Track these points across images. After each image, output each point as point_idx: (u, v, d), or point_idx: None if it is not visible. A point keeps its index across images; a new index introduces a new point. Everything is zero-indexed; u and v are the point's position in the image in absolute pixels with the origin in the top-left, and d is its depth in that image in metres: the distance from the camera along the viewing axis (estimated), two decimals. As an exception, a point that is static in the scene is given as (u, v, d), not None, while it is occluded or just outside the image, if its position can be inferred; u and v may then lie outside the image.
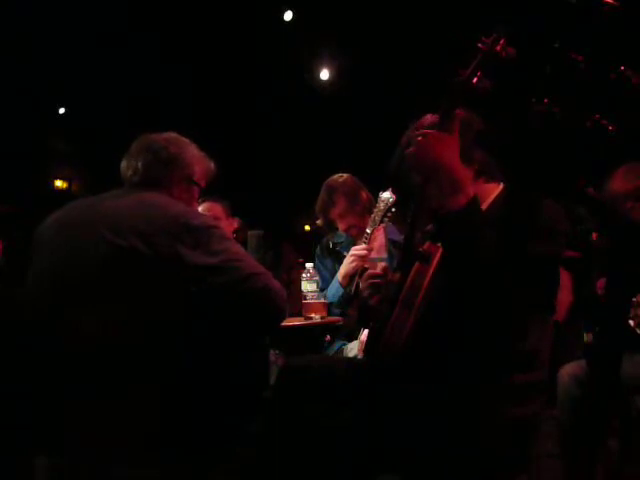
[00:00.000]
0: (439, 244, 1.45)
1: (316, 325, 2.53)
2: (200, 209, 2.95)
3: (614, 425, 2.38)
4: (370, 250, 2.63)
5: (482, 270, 1.32)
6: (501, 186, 1.57)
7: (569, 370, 2.42)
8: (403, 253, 1.60)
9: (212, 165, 1.93)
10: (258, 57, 6.53)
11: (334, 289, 2.72)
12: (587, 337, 2.79)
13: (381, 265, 1.74)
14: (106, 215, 1.64)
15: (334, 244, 2.96)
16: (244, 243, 3.22)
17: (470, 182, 1.38)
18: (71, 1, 5.71)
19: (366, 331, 2.49)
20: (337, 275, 2.72)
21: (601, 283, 2.48)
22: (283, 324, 2.41)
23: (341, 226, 2.86)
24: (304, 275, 2.60)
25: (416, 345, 1.42)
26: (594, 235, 2.81)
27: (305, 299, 2.57)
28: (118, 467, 1.52)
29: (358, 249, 2.63)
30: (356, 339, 2.65)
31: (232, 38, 6.43)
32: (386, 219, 2.56)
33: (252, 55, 6.49)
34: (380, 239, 2.83)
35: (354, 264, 2.62)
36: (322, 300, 2.60)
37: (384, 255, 2.81)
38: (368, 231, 2.60)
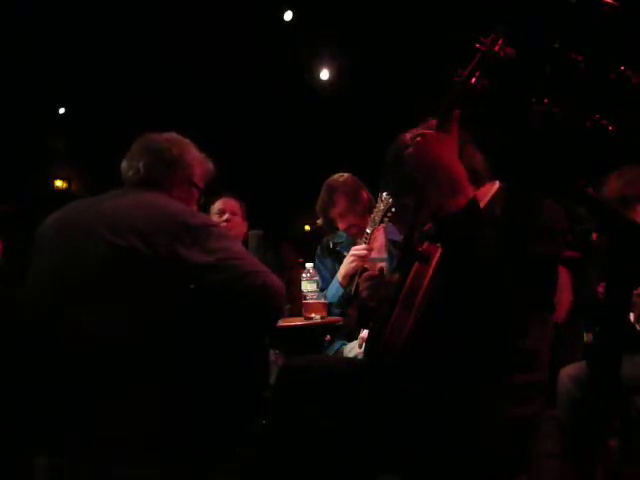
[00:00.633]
0: (438, 244, 1.45)
1: (316, 325, 2.53)
2: (217, 204, 2.97)
3: (614, 425, 2.38)
4: (370, 250, 2.63)
5: (482, 270, 1.32)
6: (497, 185, 1.57)
7: (569, 371, 2.42)
8: (402, 253, 1.60)
9: (211, 166, 1.94)
10: (258, 57, 6.53)
11: (334, 289, 2.73)
12: (587, 337, 2.79)
13: (379, 266, 1.74)
14: (105, 215, 1.65)
15: (334, 244, 2.96)
16: (244, 243, 3.22)
17: (469, 183, 1.38)
18: (71, 1, 5.71)
19: (366, 331, 2.50)
20: (337, 275, 2.72)
21: (602, 287, 2.48)
22: (283, 324, 2.42)
23: (341, 225, 2.86)
24: (304, 275, 2.60)
25: (416, 345, 1.43)
26: (594, 235, 2.80)
27: (305, 299, 2.57)
28: (118, 467, 1.52)
29: (358, 249, 2.64)
30: (356, 339, 2.65)
31: (232, 38, 6.43)
32: (386, 219, 2.56)
33: (252, 55, 6.49)
34: (380, 239, 2.83)
35: (354, 264, 2.62)
36: (322, 300, 2.60)
37: (384, 255, 2.81)
38: (368, 231, 2.61)
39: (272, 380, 2.13)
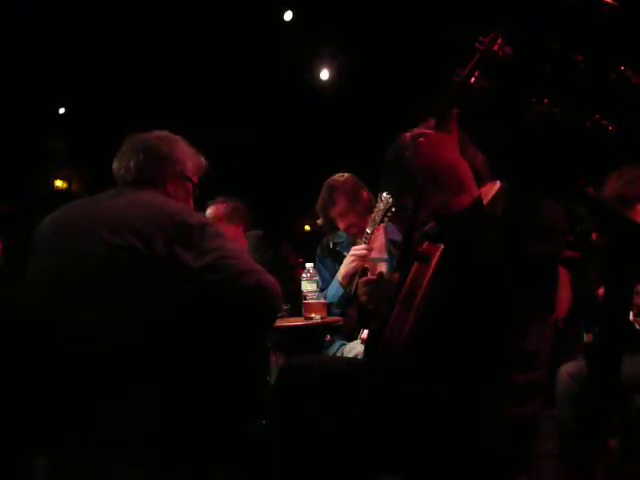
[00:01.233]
0: (438, 244, 1.45)
1: (316, 325, 2.53)
2: (207, 212, 2.97)
3: (614, 425, 2.38)
4: (370, 250, 2.63)
5: (483, 270, 1.32)
6: (497, 185, 1.57)
7: (569, 369, 2.42)
8: (402, 253, 1.60)
9: (203, 160, 1.94)
10: (258, 57, 6.53)
11: (334, 289, 2.73)
12: (587, 337, 2.79)
13: (379, 268, 1.74)
14: (103, 215, 1.65)
15: (334, 244, 2.96)
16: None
17: (474, 182, 1.38)
18: (71, 1, 5.71)
19: (366, 331, 2.50)
20: (337, 275, 2.72)
21: (602, 291, 2.48)
22: (283, 324, 2.42)
23: (341, 225, 2.86)
24: (304, 275, 2.60)
25: (416, 345, 1.42)
26: (594, 235, 2.80)
27: (305, 299, 2.57)
28: (118, 467, 1.52)
29: (358, 249, 2.64)
30: (356, 339, 2.65)
31: (232, 38, 6.43)
32: (386, 219, 2.57)
33: (252, 55, 6.49)
34: (380, 239, 2.83)
35: (354, 264, 2.62)
36: (322, 300, 2.60)
37: (384, 255, 2.82)
38: (368, 231, 2.61)
39: (272, 380, 2.13)
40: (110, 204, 1.68)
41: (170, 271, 1.57)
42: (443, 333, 1.42)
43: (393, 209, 2.51)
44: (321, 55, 6.82)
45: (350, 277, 2.64)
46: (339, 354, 2.69)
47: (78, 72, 6.60)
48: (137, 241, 1.56)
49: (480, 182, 1.52)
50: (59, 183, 9.09)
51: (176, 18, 6.15)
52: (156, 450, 1.54)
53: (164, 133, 1.88)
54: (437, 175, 1.35)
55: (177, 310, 1.58)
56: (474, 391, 1.41)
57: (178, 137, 1.89)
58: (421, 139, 1.38)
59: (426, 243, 1.49)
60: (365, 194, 2.86)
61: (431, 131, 1.40)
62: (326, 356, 2.59)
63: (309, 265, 2.64)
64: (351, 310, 2.69)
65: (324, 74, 6.86)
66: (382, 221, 2.57)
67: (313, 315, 2.52)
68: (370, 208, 2.71)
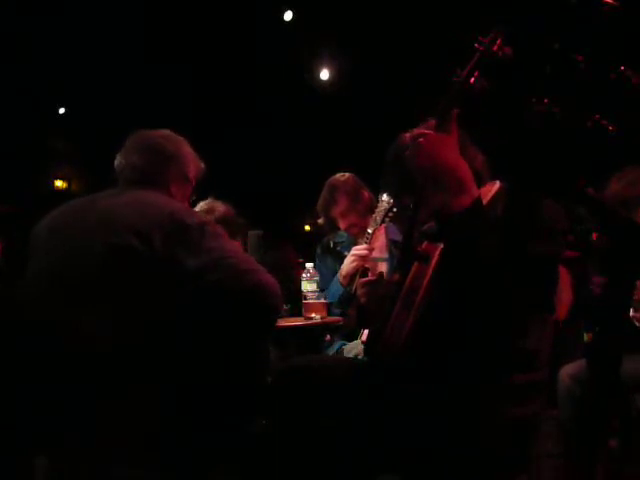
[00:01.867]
0: (438, 244, 1.45)
1: (316, 325, 2.53)
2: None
3: (614, 425, 2.38)
4: (371, 250, 2.63)
5: (483, 270, 1.32)
6: (497, 185, 1.57)
7: (569, 370, 2.42)
8: (402, 253, 1.60)
9: (203, 165, 1.94)
10: (258, 57, 6.53)
11: (334, 289, 2.73)
12: (587, 337, 2.79)
13: (379, 269, 1.74)
14: (103, 214, 1.64)
15: (335, 243, 2.96)
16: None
17: (474, 182, 1.38)
18: (71, 1, 5.71)
19: (366, 331, 2.50)
20: (337, 275, 2.72)
21: (598, 281, 2.48)
22: (283, 324, 2.42)
23: (342, 225, 2.86)
24: (304, 275, 2.60)
25: (416, 345, 1.42)
26: (594, 235, 2.80)
27: (305, 299, 2.57)
28: (118, 467, 1.52)
29: (359, 249, 2.64)
30: (356, 339, 2.65)
31: (232, 38, 6.43)
32: (387, 219, 2.57)
33: (252, 55, 6.49)
34: (381, 239, 2.83)
35: (355, 264, 2.62)
36: (322, 300, 2.60)
37: (385, 255, 2.81)
38: (369, 231, 2.61)
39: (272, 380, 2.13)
40: (110, 203, 1.68)
41: (169, 271, 1.57)
42: (443, 333, 1.42)
43: (394, 209, 2.51)
44: (321, 55, 6.82)
45: (351, 277, 2.64)
46: (339, 354, 2.69)
47: (78, 72, 6.60)
48: (136, 240, 1.56)
49: (480, 182, 1.52)
50: (59, 183, 9.09)
51: (176, 18, 6.15)
52: (156, 450, 1.54)
53: (168, 132, 1.87)
54: (437, 175, 1.35)
55: (177, 310, 1.58)
56: (474, 391, 1.41)
57: (182, 138, 1.88)
58: (421, 139, 1.38)
59: (426, 243, 1.49)
60: (366, 194, 2.86)
61: (431, 131, 1.40)
62: (326, 356, 2.59)
63: (309, 265, 2.64)
64: (351, 310, 2.69)
65: (324, 74, 6.86)
66: (383, 221, 2.57)
67: (313, 315, 2.52)
68: (371, 208, 2.72)
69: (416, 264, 1.49)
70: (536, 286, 1.39)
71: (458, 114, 1.41)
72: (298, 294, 2.61)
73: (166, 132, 1.87)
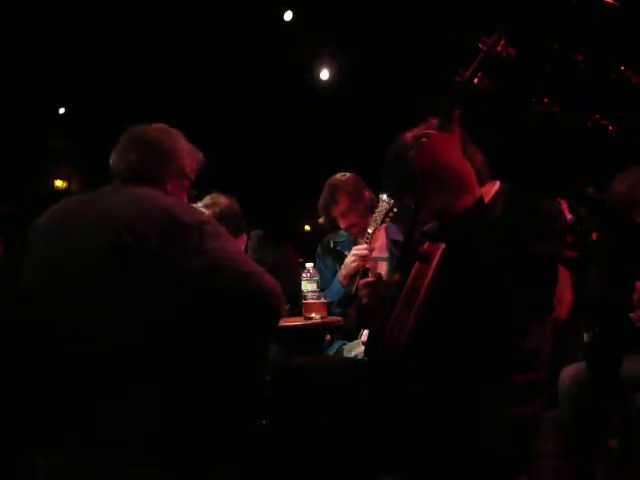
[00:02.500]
0: (439, 244, 1.45)
1: (316, 325, 2.53)
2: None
3: (614, 425, 2.38)
4: (372, 250, 2.63)
5: (483, 270, 1.32)
6: (497, 185, 1.57)
7: (570, 372, 2.42)
8: (403, 253, 1.60)
9: (201, 156, 1.90)
10: (258, 57, 6.53)
11: (335, 289, 2.73)
12: (587, 337, 2.79)
13: (378, 270, 1.74)
14: (100, 212, 1.63)
15: (335, 243, 2.96)
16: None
17: (476, 182, 1.38)
18: (71, 1, 5.71)
19: (366, 331, 2.50)
20: (338, 275, 2.72)
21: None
22: (283, 324, 2.42)
23: (343, 224, 2.86)
24: (304, 275, 2.60)
25: (416, 345, 1.42)
26: (594, 235, 2.80)
27: (305, 299, 2.57)
28: (118, 467, 1.52)
29: (359, 249, 2.64)
30: (356, 339, 2.65)
31: (232, 38, 6.43)
32: (387, 219, 2.56)
33: (252, 55, 6.49)
34: (381, 239, 2.83)
35: (355, 264, 2.62)
36: (322, 300, 2.60)
37: (385, 255, 2.81)
38: (370, 231, 2.61)
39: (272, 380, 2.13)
40: (108, 202, 1.66)
41: (168, 270, 1.56)
42: (444, 333, 1.42)
43: (395, 210, 2.51)
44: (321, 55, 6.81)
45: (351, 277, 2.64)
46: (339, 354, 2.69)
47: (78, 72, 6.59)
48: (133, 239, 1.55)
49: (480, 182, 1.52)
50: (59, 183, 9.09)
51: (176, 18, 6.14)
52: (156, 450, 1.54)
53: (164, 127, 1.84)
54: (439, 175, 1.35)
55: (177, 310, 1.58)
56: (474, 391, 1.41)
57: (177, 132, 1.84)
58: (424, 139, 1.38)
59: (427, 243, 1.49)
60: (367, 194, 2.86)
61: (433, 131, 1.40)
62: (326, 356, 2.59)
63: (309, 265, 2.64)
64: (351, 310, 2.69)
65: (324, 74, 6.86)
66: (384, 221, 2.57)
67: (313, 315, 2.52)
68: (372, 208, 2.72)
69: (417, 264, 1.49)
70: (536, 286, 1.39)
71: (460, 114, 1.41)
72: (298, 294, 2.61)
73: (161, 126, 1.83)
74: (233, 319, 1.66)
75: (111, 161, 1.79)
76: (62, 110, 7.94)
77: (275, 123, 7.43)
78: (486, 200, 1.51)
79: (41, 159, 8.43)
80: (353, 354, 2.56)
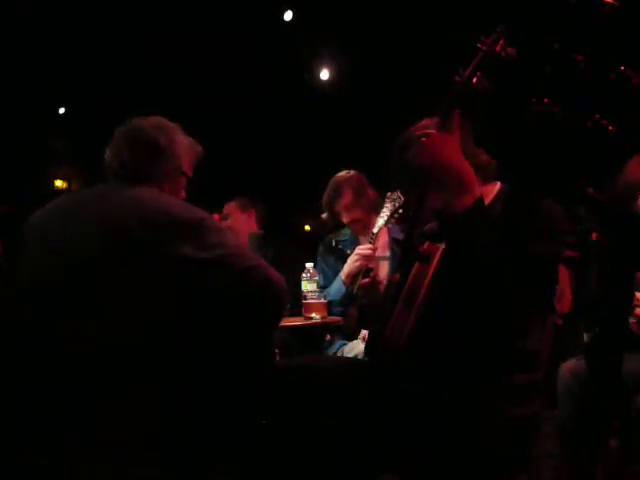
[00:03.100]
0: (439, 244, 1.45)
1: (316, 325, 2.53)
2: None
3: (614, 425, 2.38)
4: (375, 250, 2.63)
5: (484, 270, 1.33)
6: (498, 185, 1.58)
7: (570, 367, 2.42)
8: (403, 253, 1.60)
9: (199, 149, 1.85)
10: (258, 57, 6.53)
11: (336, 287, 2.73)
12: (587, 337, 2.79)
13: (382, 268, 1.75)
14: (99, 213, 1.61)
15: (337, 242, 2.97)
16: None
17: (476, 182, 1.38)
18: (71, 1, 5.70)
19: (366, 331, 2.50)
20: (340, 274, 2.73)
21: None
22: (283, 324, 2.42)
23: (346, 218, 2.86)
24: (304, 275, 2.61)
25: (416, 345, 1.43)
26: (594, 235, 2.80)
27: (305, 299, 2.57)
28: (118, 467, 1.52)
29: (363, 249, 2.64)
30: (356, 339, 2.65)
31: (232, 38, 6.43)
32: (392, 220, 2.55)
33: (252, 55, 6.49)
34: (384, 238, 2.83)
35: (358, 263, 2.63)
36: (322, 300, 2.60)
37: (387, 254, 2.82)
38: (374, 231, 2.60)
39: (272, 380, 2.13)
40: (105, 202, 1.64)
41: (170, 269, 1.55)
42: (444, 333, 1.42)
43: (400, 211, 2.50)
44: (321, 55, 6.81)
45: (354, 276, 2.64)
46: (339, 354, 2.69)
47: (78, 72, 6.59)
48: (136, 242, 1.55)
49: (486, 179, 1.52)
50: (59, 183, 9.08)
51: (176, 18, 6.14)
52: (156, 450, 1.54)
53: (161, 121, 1.78)
54: (439, 175, 1.35)
55: (177, 309, 1.58)
56: (474, 391, 1.41)
57: (175, 126, 1.79)
58: (424, 139, 1.38)
59: (427, 243, 1.49)
60: (371, 192, 2.87)
61: (433, 131, 1.40)
62: (326, 356, 2.59)
63: (309, 265, 2.64)
64: (352, 310, 2.70)
65: (324, 74, 6.85)
66: (389, 222, 2.56)
67: (313, 315, 2.52)
68: (375, 206, 2.72)
69: (417, 264, 1.49)
70: (536, 286, 1.39)
71: (460, 114, 1.41)
72: (298, 294, 2.61)
73: (158, 121, 1.78)
74: (238, 313, 1.64)
75: (105, 156, 1.75)
76: (62, 110, 7.94)
77: (275, 123, 7.42)
78: (487, 201, 1.52)
79: (41, 159, 8.41)
80: (353, 354, 2.56)
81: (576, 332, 2.81)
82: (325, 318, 2.55)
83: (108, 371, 1.53)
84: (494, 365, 1.42)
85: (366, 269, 2.55)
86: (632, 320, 2.18)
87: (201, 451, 1.59)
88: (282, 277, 1.65)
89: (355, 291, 2.55)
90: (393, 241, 2.80)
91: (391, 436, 1.42)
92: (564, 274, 2.73)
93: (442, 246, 1.44)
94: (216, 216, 2.98)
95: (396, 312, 1.47)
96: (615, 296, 2.35)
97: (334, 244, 2.97)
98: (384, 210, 2.56)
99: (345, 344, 2.71)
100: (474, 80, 1.40)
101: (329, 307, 2.66)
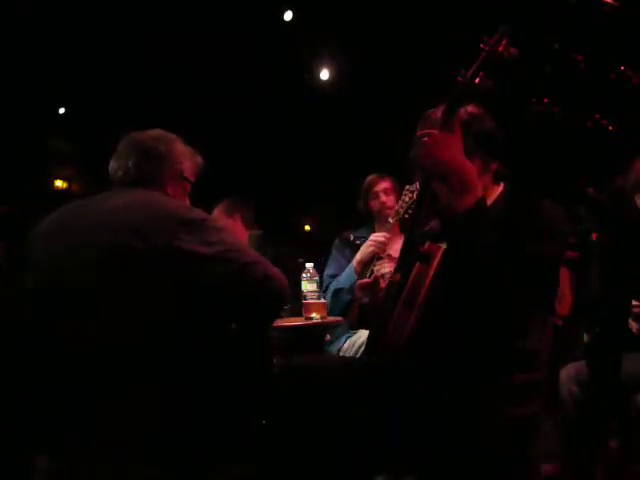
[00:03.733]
0: (440, 244, 1.45)
1: (316, 325, 2.53)
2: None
3: (614, 425, 2.38)
4: (389, 238, 2.65)
5: (484, 270, 1.32)
6: (501, 186, 1.58)
7: (570, 371, 2.42)
8: (404, 253, 1.60)
9: (200, 159, 1.92)
10: (258, 57, 6.53)
11: (347, 275, 2.74)
12: (587, 337, 2.79)
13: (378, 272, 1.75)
14: (103, 216, 1.64)
15: (355, 237, 2.99)
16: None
17: (478, 182, 1.38)
18: (71, 1, 5.70)
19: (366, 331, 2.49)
20: (352, 261, 2.74)
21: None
22: (283, 324, 2.42)
23: (383, 198, 2.92)
24: (304, 275, 2.61)
25: (417, 345, 1.42)
26: (594, 235, 2.80)
27: (305, 299, 2.57)
28: (118, 467, 1.52)
29: (378, 235, 2.67)
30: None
31: (232, 38, 6.43)
32: (410, 211, 2.58)
33: (252, 55, 6.49)
34: (400, 240, 2.84)
35: (371, 249, 2.65)
36: (322, 300, 2.60)
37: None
38: (390, 221, 2.64)
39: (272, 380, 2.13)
40: (110, 205, 1.67)
41: (171, 268, 1.56)
42: (444, 333, 1.42)
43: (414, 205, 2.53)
44: (321, 55, 6.81)
45: (365, 264, 2.66)
46: (347, 345, 2.70)
47: (78, 72, 6.59)
48: (137, 241, 1.56)
49: (498, 180, 1.52)
50: (59, 183, 9.07)
51: (176, 18, 6.14)
52: (156, 450, 1.54)
53: (160, 132, 1.86)
54: (442, 175, 1.35)
55: (177, 309, 1.58)
56: (474, 391, 1.41)
57: (175, 136, 1.87)
58: (425, 139, 1.38)
59: (428, 243, 1.49)
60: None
61: (435, 131, 1.40)
62: (327, 356, 2.59)
63: (309, 265, 2.64)
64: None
65: (324, 74, 6.85)
66: (407, 213, 2.58)
67: (313, 315, 2.52)
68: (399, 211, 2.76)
69: (418, 264, 1.49)
70: (536, 286, 1.39)
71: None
72: (298, 294, 2.61)
73: (157, 132, 1.85)
74: (238, 309, 1.67)
75: (110, 168, 1.82)
76: (62, 110, 7.94)
77: (275, 123, 7.42)
78: (490, 202, 1.52)
79: (41, 159, 8.41)
80: (361, 342, 2.57)
81: (576, 332, 2.81)
82: (325, 318, 2.55)
83: (108, 371, 1.53)
84: (494, 365, 1.42)
85: (378, 257, 2.57)
86: (633, 323, 2.18)
87: (201, 451, 1.59)
88: (282, 273, 1.67)
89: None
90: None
91: (391, 436, 1.42)
92: (564, 277, 2.73)
93: (443, 246, 1.44)
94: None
95: (396, 312, 1.47)
96: (615, 296, 2.35)
97: (352, 238, 3.00)
98: (401, 202, 2.59)
99: (351, 335, 2.72)
100: (477, 80, 1.39)
101: (338, 295, 2.68)
